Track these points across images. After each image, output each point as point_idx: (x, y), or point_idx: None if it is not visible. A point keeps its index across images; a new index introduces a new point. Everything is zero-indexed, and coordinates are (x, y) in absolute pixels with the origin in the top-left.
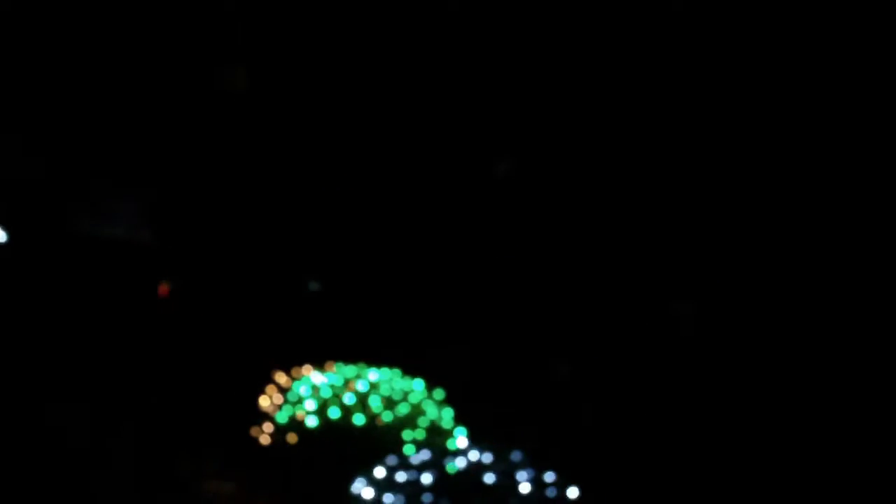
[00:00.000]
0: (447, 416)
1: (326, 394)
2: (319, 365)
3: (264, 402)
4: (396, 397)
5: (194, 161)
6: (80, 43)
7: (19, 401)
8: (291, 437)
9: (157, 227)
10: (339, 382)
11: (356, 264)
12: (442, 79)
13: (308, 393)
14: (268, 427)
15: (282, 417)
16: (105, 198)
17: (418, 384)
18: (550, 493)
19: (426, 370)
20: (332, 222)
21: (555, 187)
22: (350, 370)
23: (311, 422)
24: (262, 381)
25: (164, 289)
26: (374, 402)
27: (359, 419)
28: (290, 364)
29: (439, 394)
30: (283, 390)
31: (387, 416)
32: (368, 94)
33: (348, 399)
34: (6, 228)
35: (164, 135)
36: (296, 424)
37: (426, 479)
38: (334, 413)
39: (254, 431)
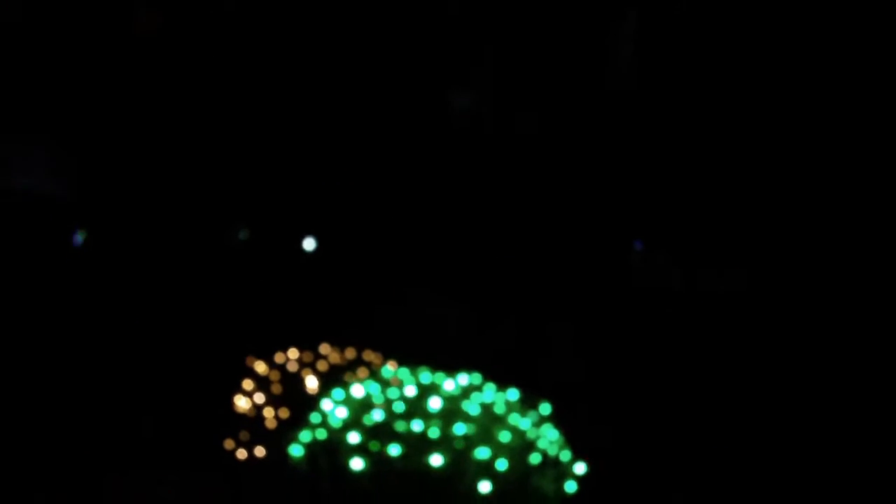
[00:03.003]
0: (557, 440)
1: (374, 418)
2: (311, 347)
3: (241, 401)
4: (485, 418)
5: (108, 104)
6: None
7: None
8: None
9: (71, 176)
10: (391, 394)
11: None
12: None
13: (343, 415)
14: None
15: (296, 449)
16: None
17: (513, 394)
18: None
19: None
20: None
21: None
22: (404, 373)
23: (357, 464)
24: (224, 368)
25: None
26: (460, 429)
27: (435, 457)
28: (266, 347)
29: (545, 408)
30: (264, 383)
31: (480, 453)
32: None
33: (416, 425)
34: None
35: (74, 77)
36: (324, 462)
37: None
38: (394, 450)
39: (228, 444)
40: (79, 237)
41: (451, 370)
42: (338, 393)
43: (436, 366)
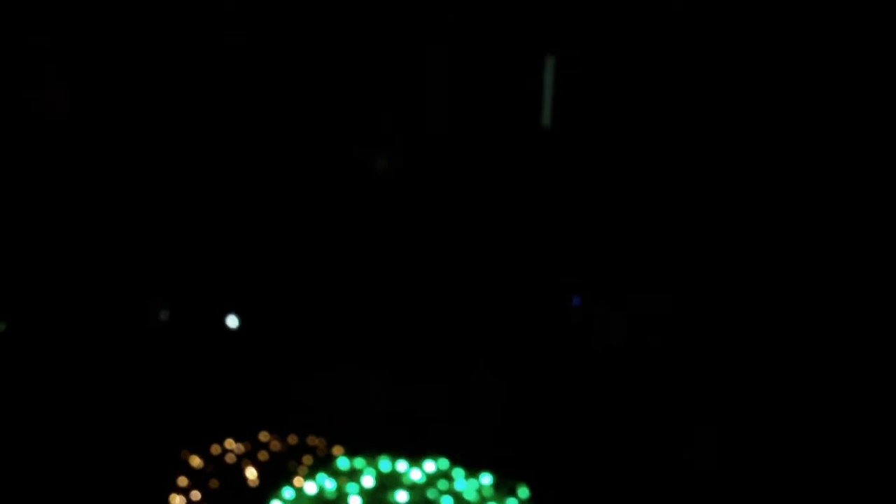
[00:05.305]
0: None
1: None
2: (249, 438)
3: (176, 500)
4: None
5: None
6: None
7: None
8: None
9: None
10: (349, 489)
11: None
12: None
13: None
14: None
15: None
16: None
17: (486, 479)
18: None
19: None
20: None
21: None
22: (360, 462)
23: None
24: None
25: None
26: None
27: None
28: (199, 437)
29: (523, 491)
30: (200, 478)
31: None
32: None
33: None
34: None
35: None
36: None
37: None
38: None
39: None
40: None
41: (412, 455)
42: (288, 492)
43: (389, 450)
